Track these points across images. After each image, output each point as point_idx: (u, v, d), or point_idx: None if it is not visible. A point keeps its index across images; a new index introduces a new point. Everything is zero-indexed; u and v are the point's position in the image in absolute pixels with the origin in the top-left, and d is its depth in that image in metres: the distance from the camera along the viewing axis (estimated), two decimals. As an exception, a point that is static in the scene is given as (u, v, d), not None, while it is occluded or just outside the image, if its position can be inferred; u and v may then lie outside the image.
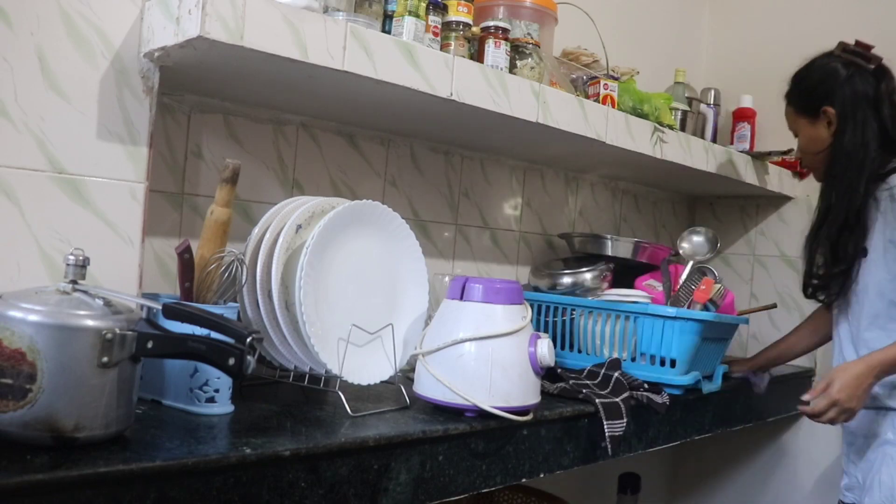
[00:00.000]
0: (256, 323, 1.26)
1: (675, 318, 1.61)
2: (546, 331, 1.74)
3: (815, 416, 1.57)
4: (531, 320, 1.30)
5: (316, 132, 1.63)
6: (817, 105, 1.67)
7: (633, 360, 1.66)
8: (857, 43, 1.67)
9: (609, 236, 1.95)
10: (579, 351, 1.72)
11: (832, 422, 1.56)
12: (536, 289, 1.87)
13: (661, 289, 1.79)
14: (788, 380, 2.18)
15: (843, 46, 1.67)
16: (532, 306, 1.57)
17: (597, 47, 1.92)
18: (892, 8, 2.32)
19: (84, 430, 0.90)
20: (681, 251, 1.85)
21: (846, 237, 1.62)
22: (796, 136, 1.78)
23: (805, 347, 1.94)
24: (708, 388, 1.71)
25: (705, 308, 1.70)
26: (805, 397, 1.58)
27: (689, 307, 1.70)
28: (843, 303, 1.69)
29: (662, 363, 1.63)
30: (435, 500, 1.18)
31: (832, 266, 1.65)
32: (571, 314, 1.71)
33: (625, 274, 1.92)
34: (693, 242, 1.83)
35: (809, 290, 1.73)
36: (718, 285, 1.71)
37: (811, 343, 1.93)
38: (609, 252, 1.92)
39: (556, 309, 1.74)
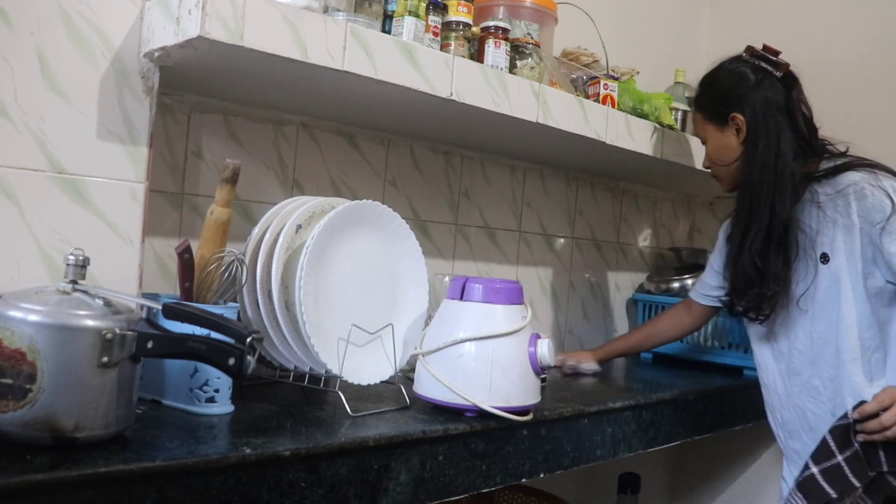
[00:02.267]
0: (256, 323, 1.26)
1: None
2: None
3: (884, 429, 1.40)
4: (531, 320, 1.30)
5: (316, 132, 1.63)
6: (725, 111, 1.59)
7: (724, 348, 2.11)
8: (765, 48, 1.59)
9: (709, 250, 2.16)
10: (681, 341, 2.12)
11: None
12: (649, 292, 2.32)
13: None
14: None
15: (751, 51, 1.60)
16: (645, 305, 2.30)
17: (597, 47, 1.92)
18: (892, 8, 2.33)
19: (84, 430, 0.90)
20: None
21: (775, 253, 1.51)
22: (704, 143, 1.68)
23: (663, 340, 1.92)
24: None
25: None
26: (867, 408, 1.42)
27: None
28: (783, 315, 1.57)
29: (746, 351, 1.98)
30: (435, 500, 1.18)
31: (763, 286, 1.52)
32: None
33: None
34: None
35: (739, 310, 1.61)
36: None
37: (670, 336, 1.91)
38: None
39: (663, 307, 2.19)
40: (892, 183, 1.47)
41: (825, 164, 1.54)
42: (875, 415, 1.40)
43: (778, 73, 1.56)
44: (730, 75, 1.61)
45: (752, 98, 1.55)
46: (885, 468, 1.41)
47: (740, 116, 1.57)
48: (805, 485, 1.47)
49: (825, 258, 1.51)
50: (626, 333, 2.03)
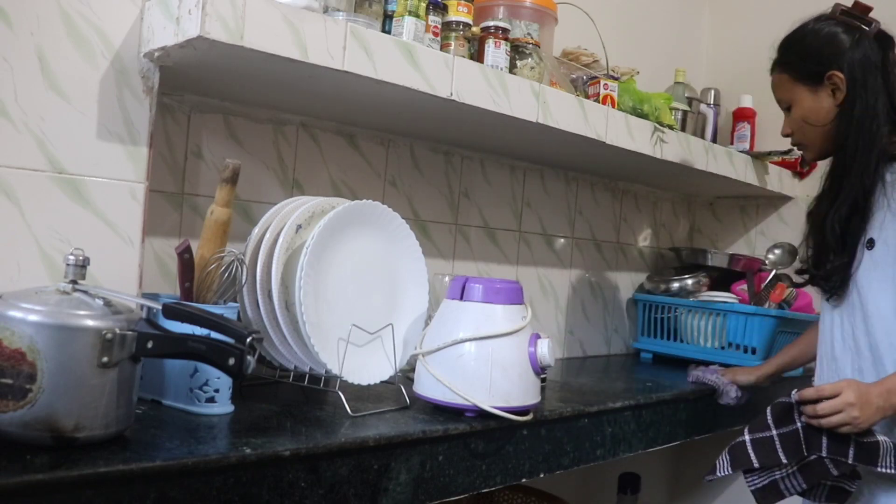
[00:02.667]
0: (256, 323, 1.26)
1: (752, 314, 2.04)
2: (655, 325, 2.23)
3: (818, 417, 1.38)
4: (531, 320, 1.30)
5: (316, 132, 1.63)
6: (822, 70, 1.47)
7: (723, 348, 2.09)
8: (856, 4, 1.51)
9: (709, 250, 2.31)
10: (681, 341, 2.17)
11: (836, 426, 1.37)
12: (649, 292, 2.30)
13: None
14: (793, 381, 2.18)
15: (839, 8, 1.51)
16: (645, 305, 2.27)
17: (597, 47, 1.92)
18: (892, 7, 2.32)
19: (84, 430, 0.90)
20: (766, 262, 2.13)
21: (856, 222, 1.45)
22: (788, 108, 1.56)
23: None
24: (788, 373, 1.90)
25: (779, 307, 2.08)
26: (807, 392, 1.40)
27: (767, 307, 2.07)
28: (840, 299, 1.50)
29: (745, 351, 2.05)
30: (435, 500, 1.18)
31: (837, 256, 1.46)
32: (675, 311, 2.18)
33: (727, 280, 2.25)
34: (775, 254, 2.11)
35: (815, 278, 1.54)
36: (790, 289, 2.07)
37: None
38: (709, 262, 2.28)
39: (662, 307, 2.21)
40: None
41: None
42: (816, 401, 1.38)
43: (872, 31, 1.48)
44: (821, 34, 1.50)
45: (851, 56, 1.46)
46: (824, 453, 1.40)
47: (839, 74, 1.46)
48: (734, 448, 1.46)
49: (871, 244, 1.45)
50: (785, 349, 1.87)
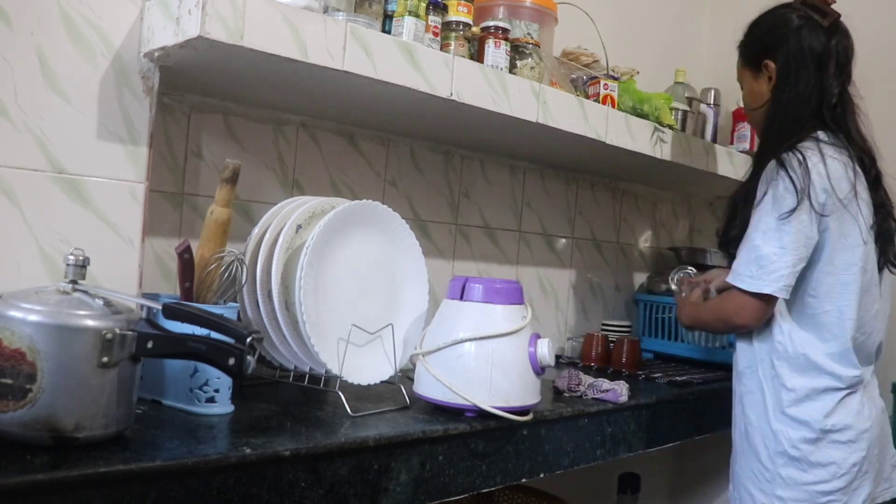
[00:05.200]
0: (256, 323, 1.26)
1: None
2: (655, 325, 2.24)
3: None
4: (531, 320, 1.30)
5: (316, 132, 1.63)
6: (760, 58, 1.55)
7: (724, 348, 2.08)
8: None
9: (709, 250, 2.29)
10: (682, 341, 2.18)
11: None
12: (649, 292, 2.33)
13: None
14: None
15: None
16: (645, 305, 2.27)
17: (597, 47, 1.92)
18: (892, 7, 2.33)
19: (84, 430, 0.90)
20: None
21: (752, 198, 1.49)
22: (742, 88, 1.65)
23: None
24: None
25: None
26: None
27: None
28: None
29: None
30: (435, 500, 1.18)
31: (736, 225, 1.52)
32: (671, 312, 2.18)
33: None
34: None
35: (721, 245, 1.62)
36: None
37: None
38: (709, 262, 2.24)
39: (663, 307, 2.23)
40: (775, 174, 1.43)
41: (804, 140, 1.46)
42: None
43: (825, 22, 1.51)
44: (773, 20, 1.57)
45: (788, 46, 1.51)
46: None
47: (772, 64, 1.53)
48: None
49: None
50: None
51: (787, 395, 1.43)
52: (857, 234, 1.45)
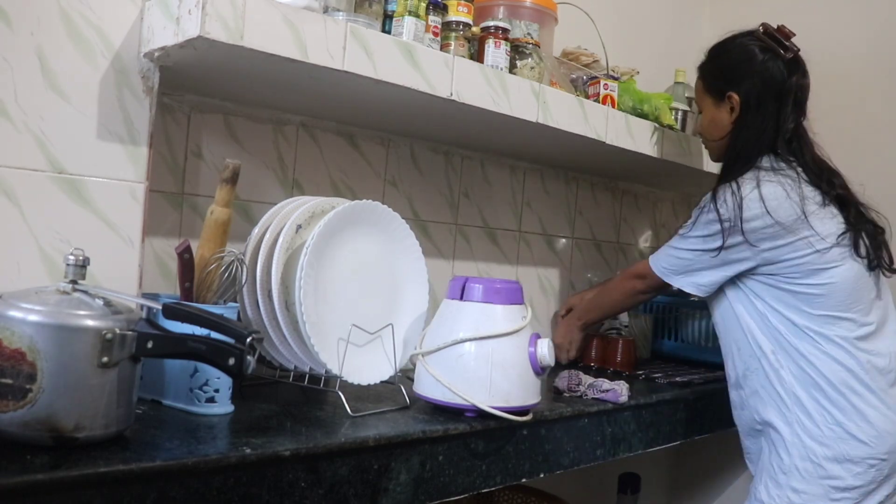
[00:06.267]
0: (256, 323, 1.26)
1: None
2: (655, 325, 2.23)
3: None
4: (531, 320, 1.30)
5: (316, 132, 1.63)
6: (724, 88, 1.59)
7: None
8: (780, 29, 1.60)
9: None
10: (682, 341, 2.17)
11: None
12: None
13: None
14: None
15: (765, 28, 1.60)
16: (646, 305, 2.20)
17: (597, 47, 1.92)
18: (892, 7, 2.32)
19: (84, 430, 0.90)
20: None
21: None
22: (700, 112, 1.70)
23: None
24: None
25: None
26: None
27: None
28: None
29: None
30: (435, 500, 1.18)
31: None
32: (676, 311, 2.19)
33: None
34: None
35: None
36: None
37: None
38: None
39: (663, 307, 2.21)
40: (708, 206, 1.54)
41: (752, 170, 1.54)
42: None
43: (786, 56, 1.56)
44: (738, 51, 1.60)
45: (752, 80, 1.55)
46: None
47: (736, 97, 1.57)
48: None
49: None
50: None
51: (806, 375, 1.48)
52: (810, 251, 1.48)
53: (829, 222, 1.49)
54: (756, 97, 1.55)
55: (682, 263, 1.59)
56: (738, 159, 1.56)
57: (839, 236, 1.49)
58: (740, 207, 1.47)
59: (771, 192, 1.47)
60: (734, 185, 1.50)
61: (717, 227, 1.50)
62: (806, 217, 1.47)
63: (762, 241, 1.48)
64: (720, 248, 1.50)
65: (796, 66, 1.56)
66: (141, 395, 1.11)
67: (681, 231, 1.61)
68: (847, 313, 1.48)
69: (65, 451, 0.88)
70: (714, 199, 1.52)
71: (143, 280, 1.27)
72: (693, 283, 1.58)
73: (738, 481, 2.48)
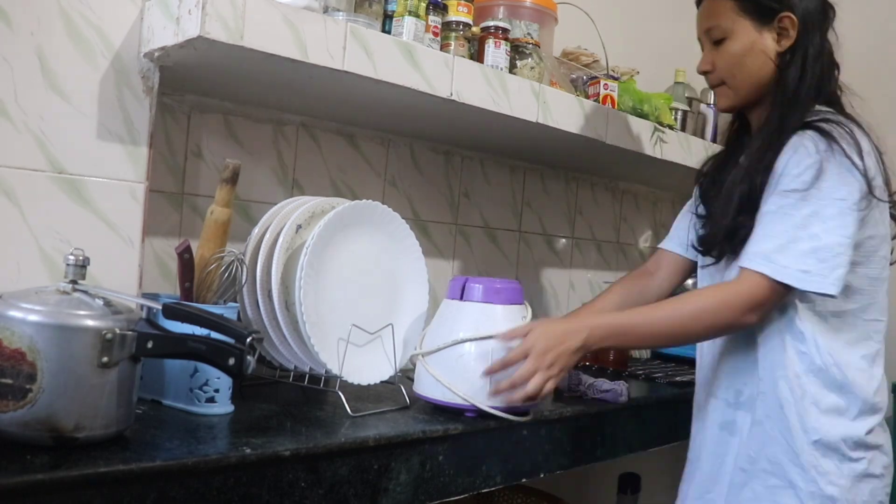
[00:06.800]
0: (256, 323, 1.26)
1: None
2: None
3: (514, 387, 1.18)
4: (531, 320, 1.29)
5: (316, 132, 1.63)
6: (776, 8, 1.26)
7: None
8: None
9: None
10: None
11: (531, 396, 1.17)
12: None
13: None
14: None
15: None
16: None
17: (597, 47, 1.92)
18: (892, 7, 2.33)
19: (84, 430, 0.90)
20: None
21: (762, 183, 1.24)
22: (719, 41, 1.33)
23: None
24: None
25: None
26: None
27: None
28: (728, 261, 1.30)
29: None
30: (435, 500, 1.18)
31: (740, 216, 1.25)
32: None
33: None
34: None
35: (711, 245, 1.33)
36: None
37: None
38: None
39: None
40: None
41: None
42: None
43: None
44: None
45: (807, 4, 1.27)
46: None
47: (793, 17, 1.26)
48: None
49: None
50: None
51: (820, 419, 1.20)
52: (887, 222, 1.24)
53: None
54: (812, 23, 1.26)
55: (828, 247, 1.15)
56: (796, 103, 1.24)
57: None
58: (861, 155, 1.17)
59: (873, 149, 1.21)
60: (846, 129, 1.18)
61: (858, 180, 1.16)
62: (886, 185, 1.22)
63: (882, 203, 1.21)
64: (863, 198, 1.17)
65: (832, 7, 1.32)
66: (141, 395, 1.11)
67: (801, 195, 1.17)
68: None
69: (65, 451, 0.88)
70: (832, 139, 1.17)
71: (143, 280, 1.27)
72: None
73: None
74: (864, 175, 1.16)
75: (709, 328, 1.23)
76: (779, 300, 1.19)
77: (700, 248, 1.36)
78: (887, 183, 1.24)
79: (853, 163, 1.16)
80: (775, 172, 1.21)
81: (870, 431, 1.23)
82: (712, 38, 1.35)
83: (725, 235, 1.28)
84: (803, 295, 1.19)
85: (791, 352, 1.22)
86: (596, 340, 1.21)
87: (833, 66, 1.31)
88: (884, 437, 1.27)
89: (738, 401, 1.29)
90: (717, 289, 1.25)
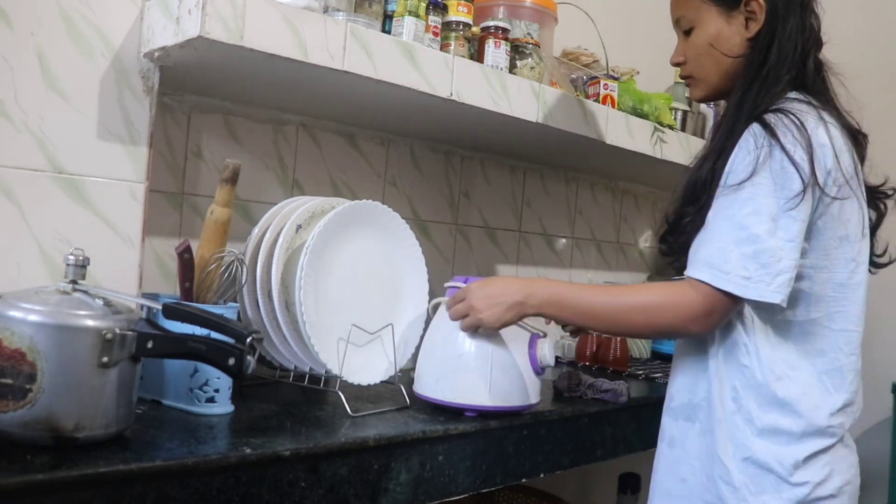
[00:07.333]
0: (256, 323, 1.26)
1: None
2: None
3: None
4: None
5: (316, 132, 1.63)
6: None
7: None
8: None
9: None
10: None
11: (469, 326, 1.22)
12: None
13: None
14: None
15: None
16: None
17: (597, 47, 1.92)
18: (892, 8, 2.33)
19: (84, 430, 0.90)
20: None
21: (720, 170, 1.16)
22: (688, 31, 1.27)
23: None
24: None
25: None
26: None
27: None
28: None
29: None
30: (435, 500, 1.18)
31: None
32: None
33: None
34: None
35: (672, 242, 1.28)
36: None
37: None
38: None
39: None
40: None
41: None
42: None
43: None
44: None
45: None
46: None
47: (760, 2, 1.19)
48: None
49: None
50: None
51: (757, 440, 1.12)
52: (857, 221, 1.15)
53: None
54: (784, 7, 1.19)
55: (770, 250, 1.08)
56: (760, 90, 1.17)
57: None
58: (811, 147, 1.09)
59: (836, 136, 1.13)
60: (793, 118, 1.10)
61: (797, 176, 1.07)
62: (858, 176, 1.16)
63: (829, 199, 1.12)
64: (801, 195, 1.08)
65: None
66: (141, 395, 1.11)
67: (738, 193, 1.10)
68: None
69: (65, 451, 0.88)
70: (773, 134, 1.09)
71: (143, 280, 1.27)
72: None
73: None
74: (811, 171, 1.07)
75: (650, 325, 1.16)
76: (729, 308, 1.10)
77: (659, 244, 1.31)
78: (857, 175, 1.16)
79: (791, 159, 1.07)
80: (726, 169, 1.13)
81: (812, 456, 1.11)
82: (682, 29, 1.30)
83: (670, 227, 1.24)
84: (756, 303, 1.09)
85: (732, 364, 1.14)
86: (534, 304, 1.17)
87: (814, 44, 1.23)
88: (841, 465, 1.14)
89: (687, 412, 1.23)
90: (668, 287, 1.16)
